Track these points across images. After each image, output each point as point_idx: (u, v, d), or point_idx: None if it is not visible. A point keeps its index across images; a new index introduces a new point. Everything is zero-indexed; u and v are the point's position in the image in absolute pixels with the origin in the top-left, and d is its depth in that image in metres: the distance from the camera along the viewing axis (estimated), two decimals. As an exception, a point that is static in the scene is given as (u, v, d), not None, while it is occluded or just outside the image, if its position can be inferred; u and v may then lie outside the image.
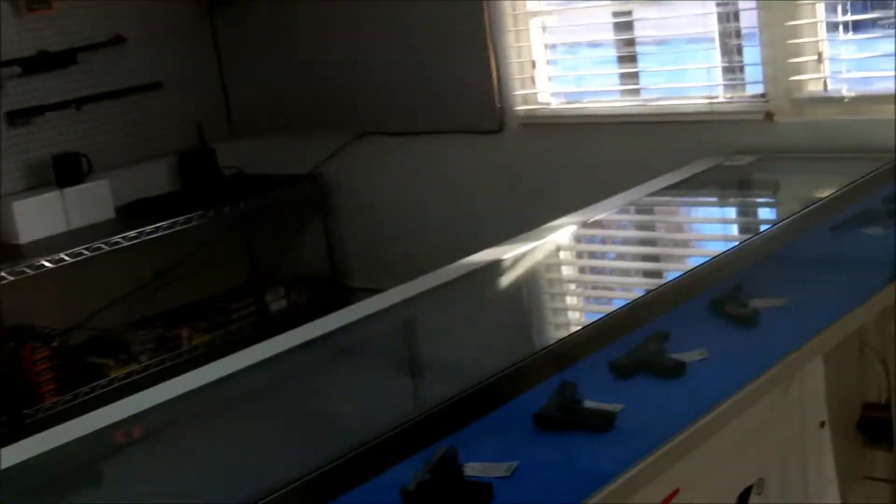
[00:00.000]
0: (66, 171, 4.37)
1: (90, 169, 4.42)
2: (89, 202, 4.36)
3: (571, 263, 3.01)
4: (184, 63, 4.84)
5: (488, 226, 4.26)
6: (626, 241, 3.18)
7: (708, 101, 3.65)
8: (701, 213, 3.32)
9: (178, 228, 4.24)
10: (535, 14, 4.02)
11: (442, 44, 4.20)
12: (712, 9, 3.61)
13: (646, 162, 3.76)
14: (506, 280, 2.80)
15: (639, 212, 3.25)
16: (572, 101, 4.01)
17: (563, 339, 2.31)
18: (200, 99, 4.92)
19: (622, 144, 3.87)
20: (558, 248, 2.95)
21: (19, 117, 4.36)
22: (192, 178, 4.79)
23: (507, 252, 2.82)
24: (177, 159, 4.79)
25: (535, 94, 4.07)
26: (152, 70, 4.69)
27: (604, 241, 3.11)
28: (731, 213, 3.38)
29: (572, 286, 2.85)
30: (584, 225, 3.02)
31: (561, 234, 2.96)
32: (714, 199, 3.50)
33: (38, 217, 4.21)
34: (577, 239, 3.02)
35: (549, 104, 4.04)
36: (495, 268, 2.76)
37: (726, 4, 3.59)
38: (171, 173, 4.79)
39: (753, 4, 3.53)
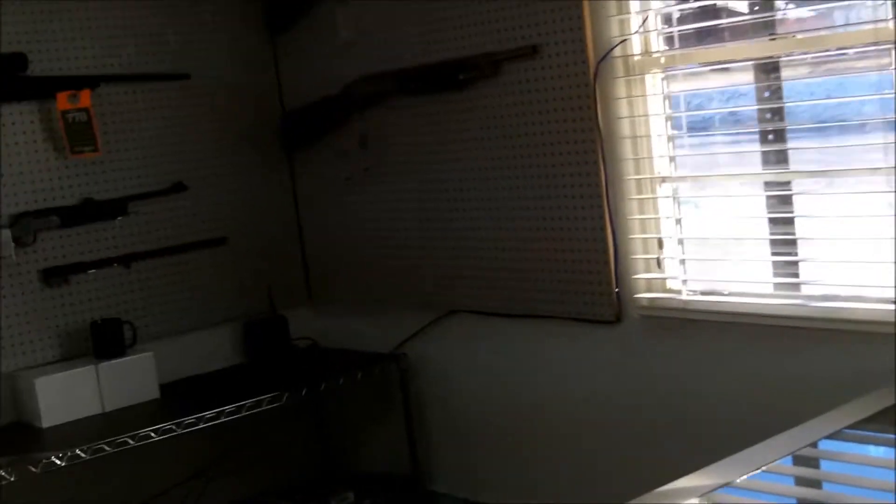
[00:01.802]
0: (106, 340, 3.69)
1: (135, 339, 3.74)
2: (129, 378, 3.65)
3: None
4: (253, 214, 4.13)
5: (598, 439, 3.40)
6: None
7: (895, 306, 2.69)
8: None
9: (243, 414, 3.50)
10: (664, 180, 3.14)
11: (548, 208, 3.36)
12: (902, 185, 2.67)
13: (807, 382, 2.83)
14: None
15: (801, 464, 2.25)
16: (709, 293, 3.08)
17: None
18: (274, 257, 4.20)
19: (775, 355, 2.93)
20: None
21: (56, 275, 3.71)
22: (259, 351, 4.08)
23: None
24: (240, 328, 4.09)
25: (663, 279, 3.17)
26: (215, 222, 4.01)
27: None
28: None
29: None
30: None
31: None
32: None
33: (66, 396, 3.53)
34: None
35: (679, 293, 3.13)
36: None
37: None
38: (234, 344, 4.08)
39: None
